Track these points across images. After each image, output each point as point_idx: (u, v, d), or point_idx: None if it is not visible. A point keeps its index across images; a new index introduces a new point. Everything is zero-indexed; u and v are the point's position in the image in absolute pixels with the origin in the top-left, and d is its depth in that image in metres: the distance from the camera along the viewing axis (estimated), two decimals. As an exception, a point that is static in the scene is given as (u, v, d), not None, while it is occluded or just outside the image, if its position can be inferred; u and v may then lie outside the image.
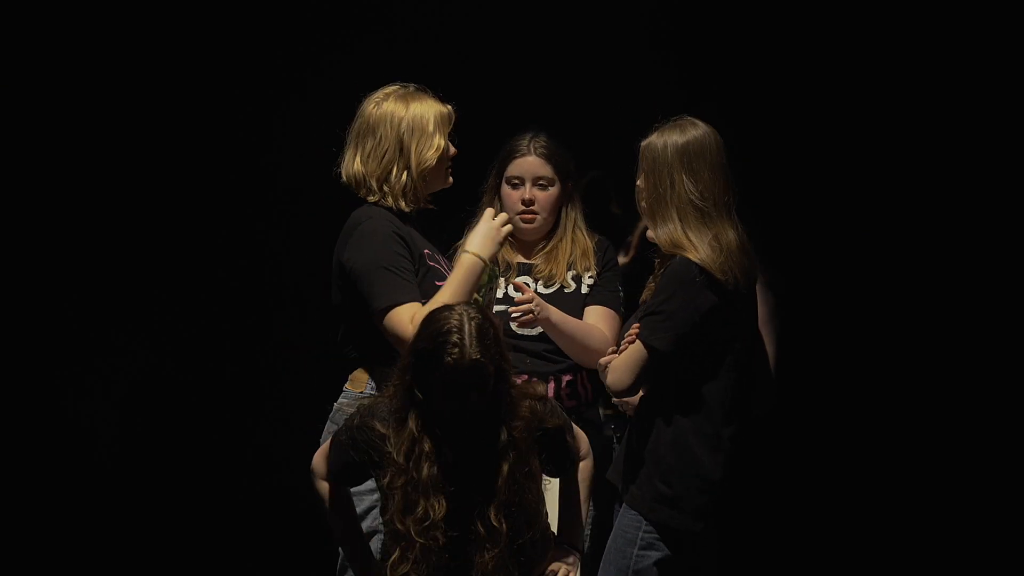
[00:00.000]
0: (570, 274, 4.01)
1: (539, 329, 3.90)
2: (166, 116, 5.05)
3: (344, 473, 3.29)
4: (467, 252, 3.53)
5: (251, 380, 5.17)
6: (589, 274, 4.01)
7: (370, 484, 3.35)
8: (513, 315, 3.83)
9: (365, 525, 3.48)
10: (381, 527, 3.30)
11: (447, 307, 3.17)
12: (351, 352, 3.64)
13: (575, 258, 4.01)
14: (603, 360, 3.51)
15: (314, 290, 4.11)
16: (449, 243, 3.96)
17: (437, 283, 3.58)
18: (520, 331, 3.90)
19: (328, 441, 3.36)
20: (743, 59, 4.90)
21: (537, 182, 4.01)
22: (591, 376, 3.93)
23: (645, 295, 3.56)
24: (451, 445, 3.15)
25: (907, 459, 4.84)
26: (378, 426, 3.18)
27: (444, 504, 3.11)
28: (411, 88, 3.68)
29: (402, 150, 3.61)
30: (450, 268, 3.66)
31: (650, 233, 3.50)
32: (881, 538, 4.87)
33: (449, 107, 3.69)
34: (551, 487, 3.43)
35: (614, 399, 3.64)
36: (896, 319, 4.87)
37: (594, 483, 3.52)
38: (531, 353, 3.90)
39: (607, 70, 4.90)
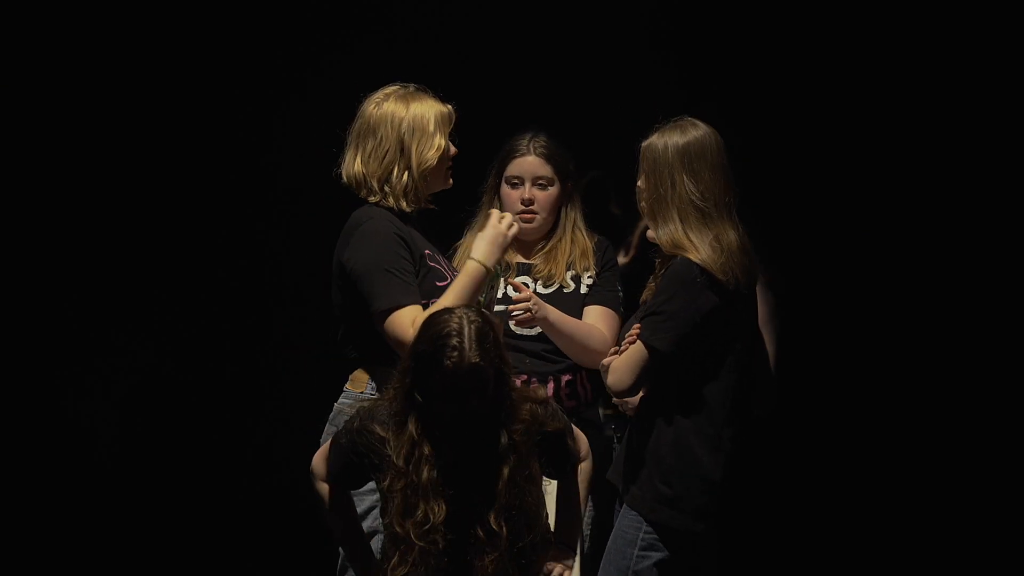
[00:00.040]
0: (569, 274, 4.00)
1: (538, 329, 3.90)
2: (166, 116, 5.04)
3: (344, 475, 3.28)
4: (472, 259, 3.52)
5: (251, 380, 5.16)
6: (588, 274, 4.01)
7: (370, 484, 3.35)
8: (511, 314, 3.82)
9: (365, 525, 3.48)
10: (382, 527, 3.30)
11: (447, 310, 3.16)
12: (351, 352, 3.64)
13: (574, 258, 4.01)
14: (605, 361, 3.51)
15: (314, 290, 4.10)
16: (449, 243, 3.96)
17: (438, 284, 3.57)
18: (519, 331, 3.89)
19: (328, 442, 3.36)
20: (743, 59, 4.90)
21: (537, 182, 4.00)
22: (591, 376, 3.93)
23: (645, 295, 3.56)
24: (451, 448, 3.14)
25: (907, 459, 4.85)
26: (378, 429, 3.17)
27: (444, 507, 3.10)
28: (411, 88, 3.68)
29: (403, 150, 3.61)
30: (451, 268, 3.66)
31: (651, 233, 3.50)
32: (881, 538, 4.87)
33: (449, 107, 3.68)
34: (550, 489, 3.42)
35: (614, 399, 3.63)
36: (896, 319, 4.87)
37: (593, 484, 3.52)
38: (530, 353, 3.90)
39: (607, 70, 4.90)
